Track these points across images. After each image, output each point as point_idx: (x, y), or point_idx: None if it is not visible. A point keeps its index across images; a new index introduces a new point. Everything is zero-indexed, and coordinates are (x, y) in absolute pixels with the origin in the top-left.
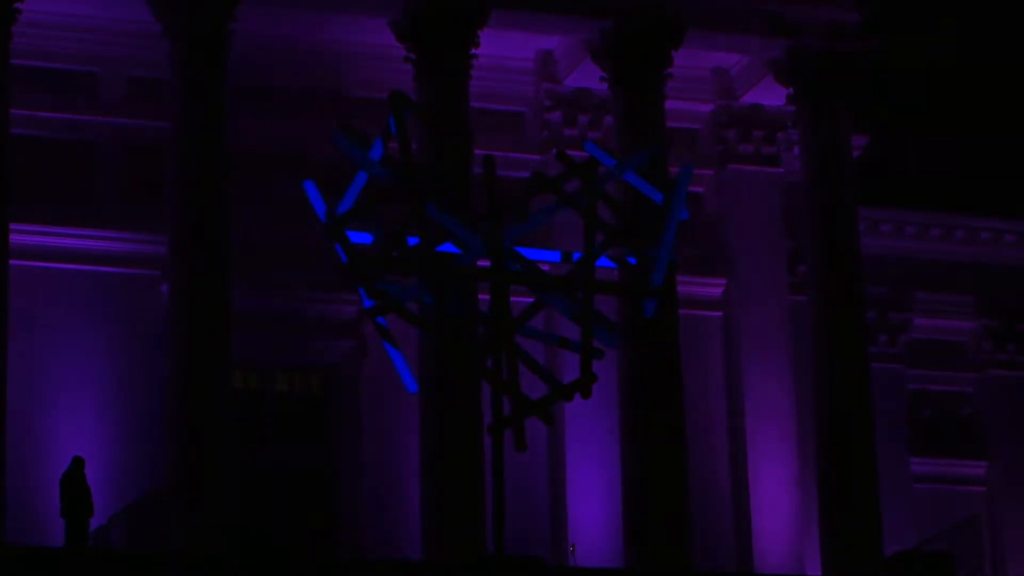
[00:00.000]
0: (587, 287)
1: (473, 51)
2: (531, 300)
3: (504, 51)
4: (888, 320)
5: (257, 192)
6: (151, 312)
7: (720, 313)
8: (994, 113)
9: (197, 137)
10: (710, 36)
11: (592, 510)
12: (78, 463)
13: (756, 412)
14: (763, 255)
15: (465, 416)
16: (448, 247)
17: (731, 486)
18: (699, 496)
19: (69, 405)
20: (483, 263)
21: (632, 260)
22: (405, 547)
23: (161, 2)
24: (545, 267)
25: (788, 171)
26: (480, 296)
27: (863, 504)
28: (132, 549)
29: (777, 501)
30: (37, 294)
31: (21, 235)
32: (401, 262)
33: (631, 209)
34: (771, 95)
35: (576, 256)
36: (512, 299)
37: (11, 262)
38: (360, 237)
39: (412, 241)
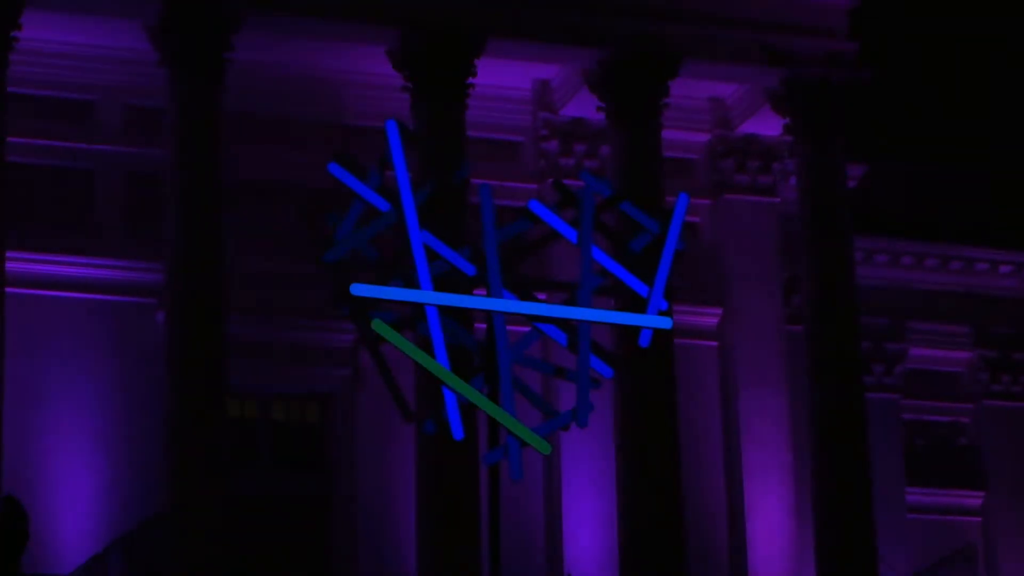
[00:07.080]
0: (583, 316)
1: (470, 80)
2: (527, 329)
3: (501, 80)
4: (883, 350)
5: (254, 220)
6: (147, 340)
7: (715, 343)
8: (990, 143)
9: (194, 165)
10: (707, 66)
11: (588, 539)
12: (9, 502)
13: (752, 441)
14: (759, 285)
15: (461, 444)
16: (444, 277)
17: (727, 515)
18: (695, 525)
19: (65, 433)
20: (479, 292)
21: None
22: None
23: (159, 31)
24: (542, 296)
25: (784, 201)
26: (476, 325)
27: (858, 534)
28: None
29: (773, 530)
30: (33, 322)
31: (18, 263)
32: (397, 291)
33: (627, 239)
34: (767, 125)
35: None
36: (508, 327)
37: (7, 290)
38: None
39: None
